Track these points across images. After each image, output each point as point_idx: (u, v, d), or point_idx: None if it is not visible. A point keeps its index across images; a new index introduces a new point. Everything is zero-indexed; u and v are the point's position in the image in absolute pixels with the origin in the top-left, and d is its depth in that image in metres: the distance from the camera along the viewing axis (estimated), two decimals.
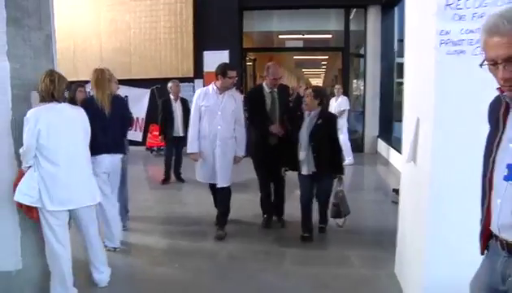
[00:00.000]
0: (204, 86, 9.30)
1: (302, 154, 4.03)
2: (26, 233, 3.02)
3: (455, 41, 2.36)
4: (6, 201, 2.94)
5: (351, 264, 3.73)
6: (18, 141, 2.90)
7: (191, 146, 4.31)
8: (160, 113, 6.85)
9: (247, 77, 10.70)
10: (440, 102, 2.43)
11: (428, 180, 2.53)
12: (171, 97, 6.81)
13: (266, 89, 4.58)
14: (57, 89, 2.88)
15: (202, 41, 9.41)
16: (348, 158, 8.01)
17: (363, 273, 3.54)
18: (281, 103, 4.57)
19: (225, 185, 4.31)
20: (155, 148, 9.51)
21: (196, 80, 9.47)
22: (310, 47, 11.61)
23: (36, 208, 2.82)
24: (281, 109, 4.56)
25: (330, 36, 10.59)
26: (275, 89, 4.56)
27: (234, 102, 4.31)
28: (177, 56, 9.67)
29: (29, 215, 2.87)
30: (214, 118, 4.21)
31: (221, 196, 4.40)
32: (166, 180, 6.89)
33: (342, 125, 8.12)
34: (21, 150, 2.80)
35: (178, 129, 6.71)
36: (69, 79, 4.70)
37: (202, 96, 4.28)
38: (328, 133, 4.05)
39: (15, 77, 2.91)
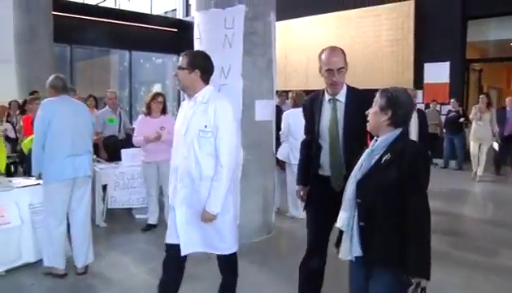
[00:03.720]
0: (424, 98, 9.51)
1: (342, 216, 2.07)
2: (245, 201, 4.35)
3: None
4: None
5: None
6: (243, 132, 4.30)
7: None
8: None
9: (469, 90, 10.14)
10: None
11: None
12: None
13: (326, 97, 2.65)
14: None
15: (423, 53, 9.61)
16: None
17: None
18: (349, 121, 2.56)
19: (218, 252, 2.59)
20: None
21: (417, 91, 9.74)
22: None
23: (284, 162, 5.35)
24: (349, 130, 2.55)
25: None
26: (339, 98, 2.60)
27: (206, 115, 2.46)
28: (398, 68, 10.14)
29: (282, 167, 5.45)
30: (177, 143, 2.59)
31: (221, 269, 2.67)
32: None
33: None
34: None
35: None
36: (300, 89, 6.35)
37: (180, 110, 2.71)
38: (401, 185, 1.87)
39: (245, 90, 4.34)
